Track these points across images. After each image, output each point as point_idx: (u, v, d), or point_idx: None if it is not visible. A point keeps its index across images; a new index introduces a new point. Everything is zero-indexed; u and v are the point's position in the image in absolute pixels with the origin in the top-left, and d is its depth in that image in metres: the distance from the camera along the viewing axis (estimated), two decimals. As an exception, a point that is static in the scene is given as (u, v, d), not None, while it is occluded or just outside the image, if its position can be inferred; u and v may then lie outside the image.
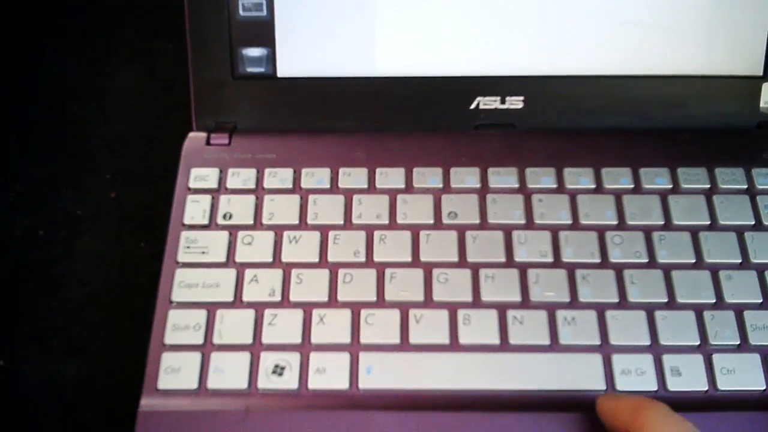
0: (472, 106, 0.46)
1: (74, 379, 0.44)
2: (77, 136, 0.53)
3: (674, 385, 0.38)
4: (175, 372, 0.39)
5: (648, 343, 0.39)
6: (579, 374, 0.39)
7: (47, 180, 0.51)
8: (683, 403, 0.38)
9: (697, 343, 0.39)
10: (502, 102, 0.46)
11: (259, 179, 0.45)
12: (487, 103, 0.46)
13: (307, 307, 0.41)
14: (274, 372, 0.39)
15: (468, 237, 0.43)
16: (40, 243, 0.49)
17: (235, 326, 0.40)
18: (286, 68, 0.46)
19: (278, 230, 0.43)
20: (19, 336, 0.45)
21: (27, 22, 0.59)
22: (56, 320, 0.46)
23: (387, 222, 0.43)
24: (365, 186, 0.45)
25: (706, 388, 0.38)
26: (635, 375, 0.39)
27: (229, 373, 0.39)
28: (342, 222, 0.43)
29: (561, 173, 0.45)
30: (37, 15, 0.59)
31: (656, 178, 0.44)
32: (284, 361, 0.39)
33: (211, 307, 0.41)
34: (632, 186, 0.44)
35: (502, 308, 0.40)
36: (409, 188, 0.45)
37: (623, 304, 0.41)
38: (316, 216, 0.44)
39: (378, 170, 0.45)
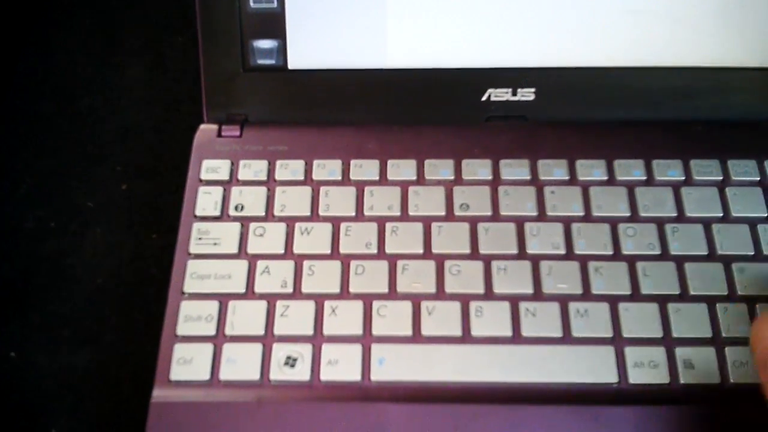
0: (484, 98, 0.46)
1: (85, 370, 0.44)
2: (87, 128, 0.53)
3: (687, 377, 0.38)
4: (187, 363, 0.39)
5: (661, 335, 0.39)
6: (591, 367, 0.39)
7: (58, 172, 0.51)
8: (696, 396, 0.38)
9: (710, 335, 0.39)
10: (514, 94, 0.46)
11: (271, 171, 0.45)
12: (499, 95, 0.46)
13: (319, 299, 0.41)
14: (286, 363, 0.39)
15: (480, 229, 0.43)
16: (51, 235, 0.49)
17: (247, 317, 0.40)
18: (297, 60, 0.46)
19: (290, 222, 0.43)
20: (30, 327, 0.45)
21: (35, 15, 0.59)
22: (67, 311, 0.46)
23: (399, 214, 0.43)
24: (377, 178, 0.45)
25: (719, 381, 0.38)
26: (648, 367, 0.38)
27: (241, 364, 0.39)
28: (354, 214, 0.43)
29: (573, 165, 0.45)
30: (45, 8, 0.59)
31: (669, 170, 0.44)
32: (296, 352, 0.39)
33: (224, 298, 0.41)
34: (645, 178, 0.44)
35: (514, 300, 0.40)
36: (420, 180, 0.45)
37: (636, 296, 0.40)
38: (328, 207, 0.44)
39: (389, 162, 0.45)
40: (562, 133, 0.46)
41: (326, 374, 0.39)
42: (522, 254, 0.42)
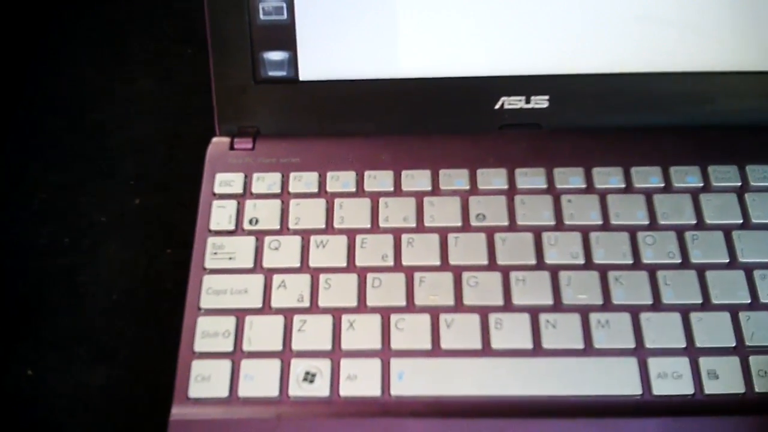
0: (497, 106, 0.46)
1: (100, 387, 0.44)
2: (98, 142, 0.53)
3: (711, 388, 0.38)
4: (205, 380, 0.39)
5: (684, 345, 0.39)
6: (614, 379, 0.38)
7: (70, 187, 0.51)
8: (721, 407, 0.37)
9: (734, 344, 0.39)
10: (527, 101, 0.46)
11: (284, 183, 0.45)
12: (512, 102, 0.46)
13: (337, 313, 0.40)
14: (305, 379, 0.39)
15: (497, 239, 0.42)
16: (65, 250, 0.48)
17: (264, 333, 0.40)
18: (307, 71, 0.45)
19: (305, 235, 0.43)
20: (44, 345, 0.45)
21: (44, 29, 0.59)
22: (82, 328, 0.46)
23: (414, 225, 0.43)
24: (391, 189, 0.44)
25: (743, 391, 0.38)
26: (672, 378, 0.38)
27: (259, 380, 0.39)
28: (369, 225, 0.43)
29: (590, 173, 0.44)
30: (53, 21, 0.59)
31: (687, 177, 0.44)
32: (315, 367, 0.39)
33: (240, 314, 0.41)
34: (663, 185, 0.44)
35: (534, 312, 0.40)
36: (435, 190, 0.44)
37: (657, 305, 0.40)
38: (343, 220, 0.43)
39: (403, 173, 0.45)
40: (577, 141, 0.45)
41: (345, 389, 0.38)
42: (540, 264, 0.41)
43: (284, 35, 0.45)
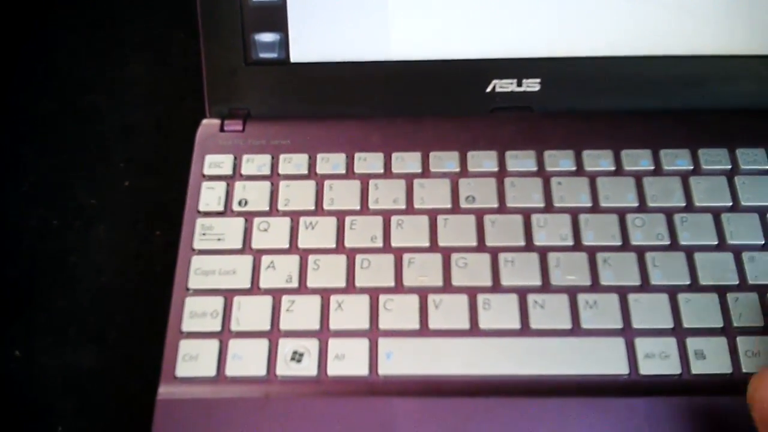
0: (489, 89, 0.46)
1: (90, 368, 0.44)
2: (89, 125, 0.53)
3: (698, 368, 0.38)
4: (193, 359, 0.39)
5: (671, 326, 0.39)
6: (601, 358, 0.38)
7: (60, 170, 0.51)
8: (708, 387, 0.38)
9: (721, 325, 0.39)
10: (519, 84, 0.46)
11: (274, 165, 0.45)
12: (504, 85, 0.46)
13: (325, 293, 0.40)
14: (292, 359, 0.39)
15: (486, 221, 0.42)
16: (55, 233, 0.48)
17: (252, 313, 0.40)
18: (299, 53, 0.45)
19: (294, 216, 0.43)
20: (34, 326, 0.45)
21: (37, 12, 0.59)
22: (71, 310, 0.46)
23: (404, 207, 0.43)
24: (381, 171, 0.44)
25: (730, 371, 0.38)
26: (659, 358, 0.38)
27: (247, 360, 0.39)
28: (358, 207, 0.43)
29: (580, 156, 0.44)
30: (46, 4, 0.59)
31: (677, 160, 0.44)
32: (303, 347, 0.39)
33: (228, 294, 0.40)
34: (653, 168, 0.44)
35: (522, 292, 0.40)
36: (425, 173, 0.44)
37: (645, 287, 0.40)
38: (332, 201, 0.43)
39: (394, 155, 0.45)
40: (568, 124, 0.45)
41: (333, 369, 0.38)
42: (529, 246, 0.41)
43: (276, 17, 0.45)
